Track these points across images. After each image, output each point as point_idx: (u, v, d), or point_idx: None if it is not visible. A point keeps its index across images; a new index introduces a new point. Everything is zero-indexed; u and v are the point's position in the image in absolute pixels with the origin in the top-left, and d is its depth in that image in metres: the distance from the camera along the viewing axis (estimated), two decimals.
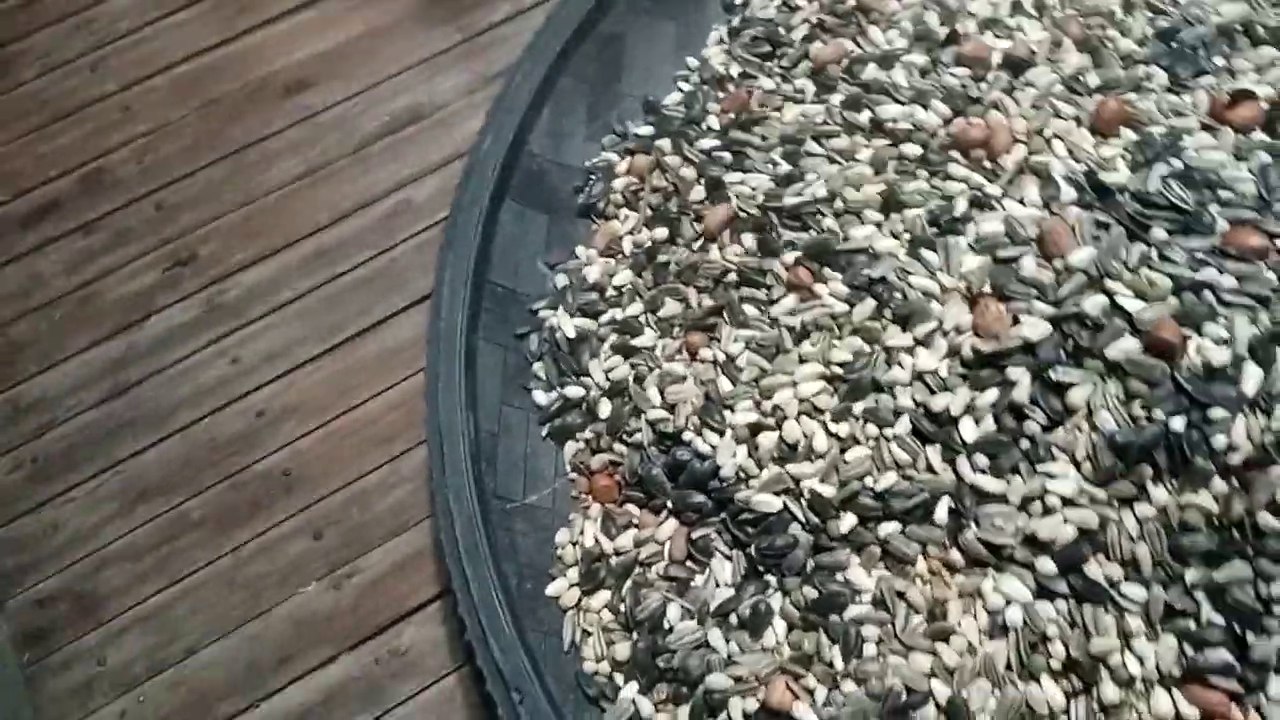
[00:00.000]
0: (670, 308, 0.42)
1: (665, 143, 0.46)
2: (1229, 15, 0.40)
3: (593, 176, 0.46)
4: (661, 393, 0.40)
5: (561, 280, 0.44)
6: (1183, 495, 0.31)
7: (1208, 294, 0.32)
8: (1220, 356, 0.31)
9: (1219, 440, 0.31)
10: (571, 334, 0.43)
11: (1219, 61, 0.38)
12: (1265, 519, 0.30)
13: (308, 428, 0.45)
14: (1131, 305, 0.33)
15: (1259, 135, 0.36)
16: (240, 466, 0.44)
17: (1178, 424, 0.31)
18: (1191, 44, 0.39)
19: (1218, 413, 0.31)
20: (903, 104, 0.41)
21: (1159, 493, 0.32)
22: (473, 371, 0.41)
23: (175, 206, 0.50)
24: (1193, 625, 0.31)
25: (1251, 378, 0.31)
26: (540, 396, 0.42)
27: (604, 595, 0.38)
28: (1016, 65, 0.41)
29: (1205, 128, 0.36)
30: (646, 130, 0.47)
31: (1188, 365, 0.32)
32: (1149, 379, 0.32)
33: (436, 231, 0.45)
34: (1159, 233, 0.34)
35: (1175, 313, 0.32)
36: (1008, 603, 0.33)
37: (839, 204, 0.40)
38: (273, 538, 0.43)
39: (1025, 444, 0.33)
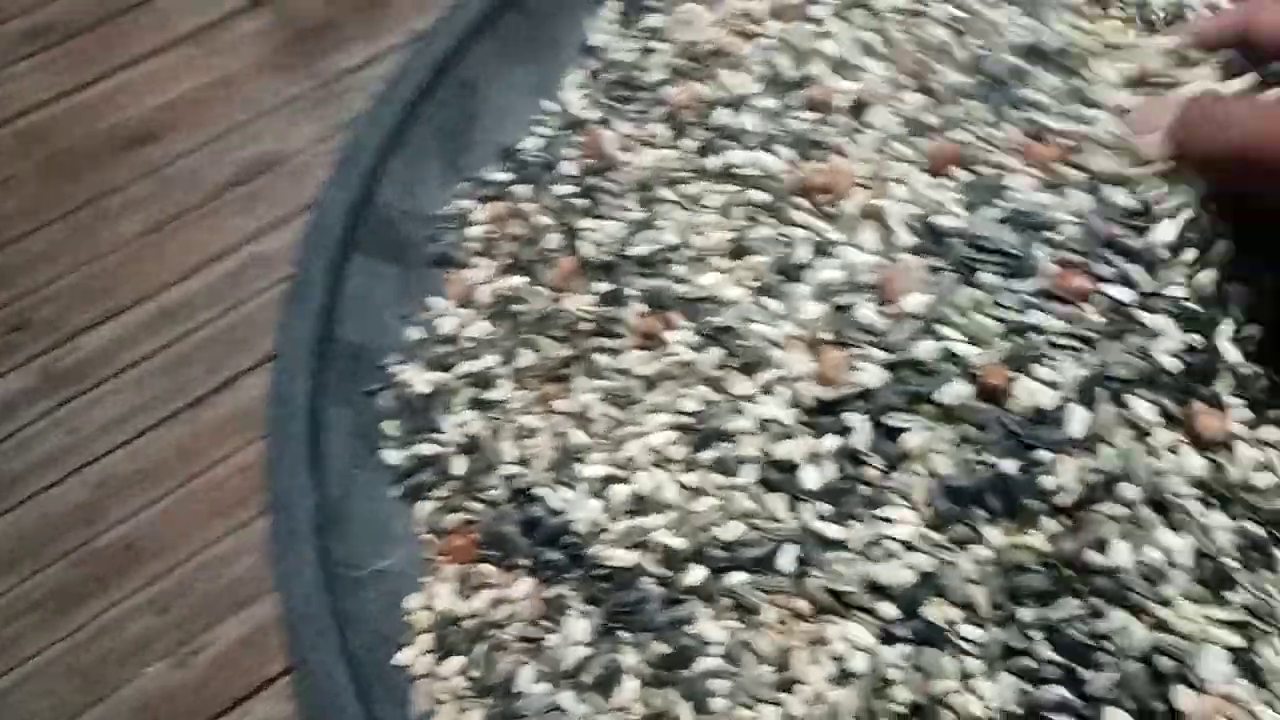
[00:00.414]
0: (525, 359, 0.41)
1: (522, 189, 0.45)
2: (1028, 40, 0.41)
3: (447, 225, 0.46)
4: (517, 447, 0.39)
5: (414, 333, 0.43)
6: (1016, 537, 0.32)
7: (1036, 337, 0.33)
8: (1048, 399, 0.32)
9: (1047, 481, 0.31)
10: (424, 389, 0.42)
11: (1029, 94, 0.39)
12: (1093, 557, 0.31)
13: (152, 497, 0.43)
14: (962, 350, 0.33)
15: (1072, 172, 0.36)
16: (81, 541, 0.42)
17: (1008, 467, 0.32)
18: (1002, 76, 0.40)
19: (1044, 455, 0.31)
20: (751, 149, 0.41)
21: (993, 534, 0.32)
22: (317, 434, 0.39)
23: (11, 269, 0.48)
24: (1030, 663, 0.31)
25: (1077, 419, 0.32)
26: (392, 456, 0.41)
27: (457, 661, 0.37)
28: (859, 107, 0.41)
29: (1027, 166, 0.37)
30: (503, 177, 0.46)
31: (1017, 408, 0.32)
32: (980, 423, 0.32)
33: (288, 286, 0.44)
34: (988, 277, 0.34)
35: (1005, 356, 0.33)
36: (853, 649, 0.33)
37: (688, 251, 0.40)
38: (116, 615, 0.41)
39: (865, 490, 0.33)
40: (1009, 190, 0.36)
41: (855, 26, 0.45)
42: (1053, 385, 0.32)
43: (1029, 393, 0.32)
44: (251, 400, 0.45)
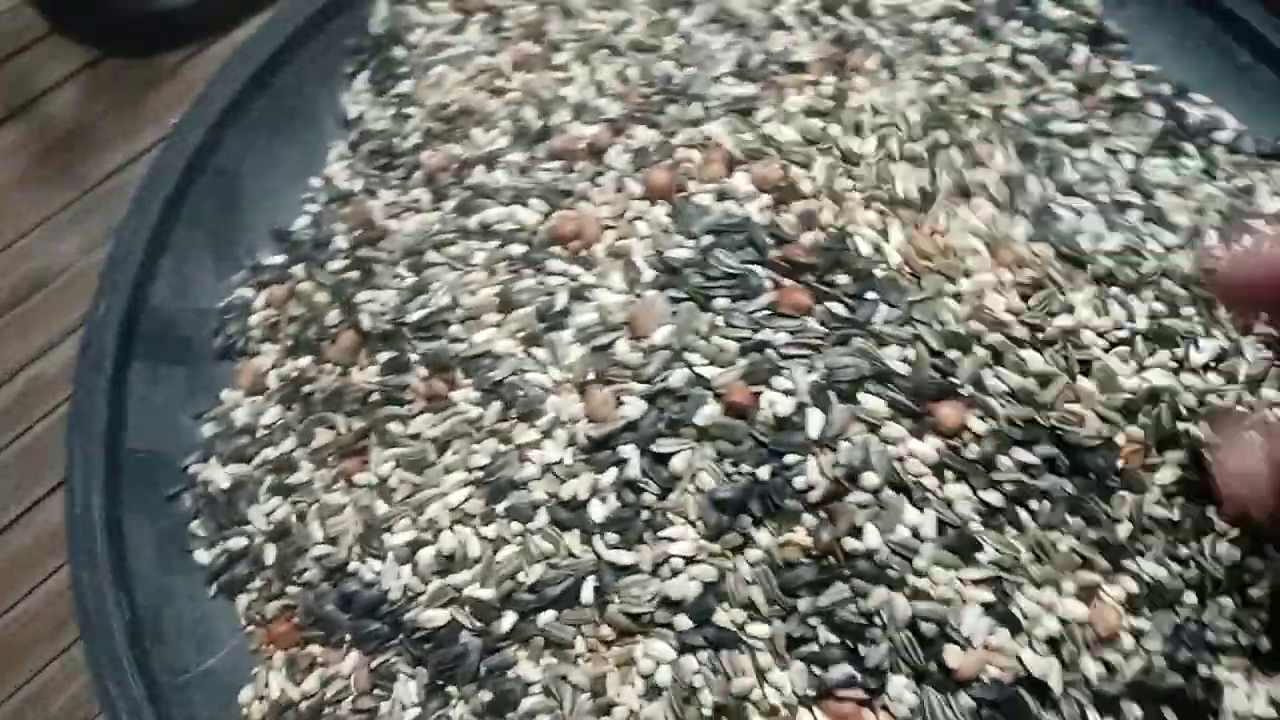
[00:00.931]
0: (322, 437, 0.42)
1: (298, 269, 0.46)
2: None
3: (227, 316, 0.46)
4: (323, 526, 0.40)
5: (209, 430, 0.44)
6: (781, 536, 0.35)
7: (770, 352, 0.36)
8: (786, 407, 0.35)
9: (799, 481, 0.34)
10: (225, 484, 0.42)
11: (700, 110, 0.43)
12: (850, 543, 0.34)
13: None
14: (708, 372, 0.36)
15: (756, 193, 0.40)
16: None
17: (764, 473, 0.35)
18: (683, 83, 0.43)
19: (792, 458, 0.34)
20: (505, 205, 0.43)
21: (762, 536, 0.35)
22: (121, 548, 0.40)
23: None
24: (815, 649, 0.34)
25: (814, 422, 0.35)
26: (202, 556, 0.41)
27: None
28: (598, 151, 0.43)
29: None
30: (278, 259, 0.47)
31: (762, 419, 0.35)
32: (732, 438, 0.35)
33: (70, 405, 0.44)
34: (721, 301, 0.37)
35: (744, 374, 0.36)
36: (657, 664, 0.35)
37: (460, 311, 0.41)
38: None
39: (645, 514, 0.36)
40: (709, 211, 0.39)
41: (595, 68, 0.47)
42: (788, 393, 0.35)
43: (769, 403, 0.35)
44: (53, 525, 0.44)
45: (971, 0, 0.51)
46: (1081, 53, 0.50)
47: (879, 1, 0.50)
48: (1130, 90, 0.49)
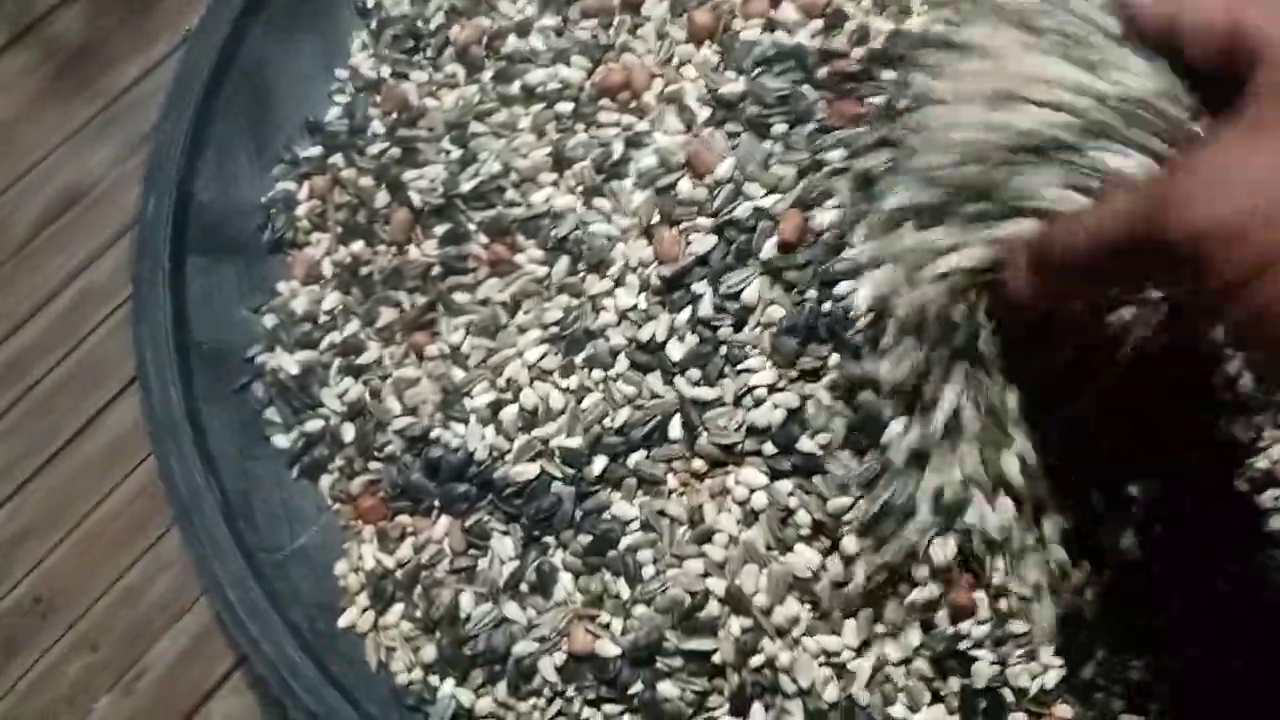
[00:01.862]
0: (386, 316, 0.42)
1: (337, 158, 0.46)
2: None
3: (273, 210, 0.46)
4: (400, 399, 0.41)
5: (270, 320, 0.44)
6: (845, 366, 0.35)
7: (823, 172, 0.36)
8: (832, 230, 0.36)
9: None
10: (295, 370, 0.42)
11: None
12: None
13: (49, 545, 0.42)
14: (767, 202, 0.36)
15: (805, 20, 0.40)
16: None
17: (825, 305, 0.35)
18: None
19: (845, 286, 0.35)
20: (547, 66, 0.43)
21: (834, 360, 0.36)
22: (202, 437, 0.40)
23: None
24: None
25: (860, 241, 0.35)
26: (281, 440, 0.42)
27: (398, 608, 0.39)
28: (633, 4, 0.43)
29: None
30: (315, 151, 0.47)
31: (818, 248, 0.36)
32: (794, 265, 0.36)
33: (127, 310, 0.44)
34: (779, 128, 0.37)
35: (797, 199, 0.36)
36: (751, 491, 0.36)
37: (514, 175, 0.41)
38: (48, 665, 0.41)
39: (723, 349, 0.36)
40: (758, 43, 0.39)
41: None
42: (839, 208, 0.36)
43: (820, 226, 0.36)
44: (122, 429, 0.45)
45: None
46: None
47: None
48: None
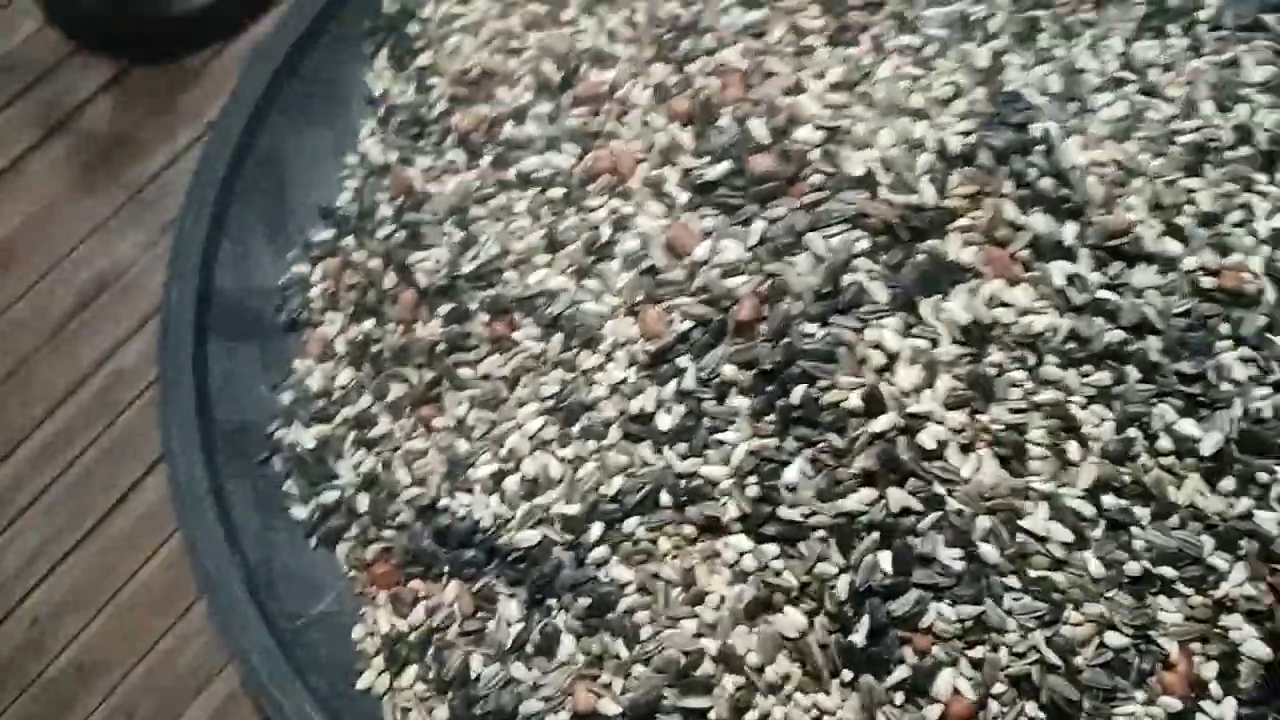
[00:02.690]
0: (396, 391, 0.45)
1: (348, 241, 0.49)
2: None
3: (289, 292, 0.49)
4: (410, 470, 0.43)
5: (288, 397, 0.47)
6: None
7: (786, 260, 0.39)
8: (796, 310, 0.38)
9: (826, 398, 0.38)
10: (311, 444, 0.45)
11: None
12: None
13: (88, 616, 0.45)
14: (734, 283, 0.39)
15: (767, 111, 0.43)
16: (31, 678, 0.44)
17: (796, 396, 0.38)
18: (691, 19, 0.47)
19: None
20: (540, 153, 0.46)
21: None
22: (224, 511, 0.43)
23: None
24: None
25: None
26: (299, 512, 0.44)
27: (412, 670, 0.41)
28: (620, 92, 0.46)
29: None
30: (328, 235, 0.50)
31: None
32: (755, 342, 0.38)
33: (155, 391, 0.46)
34: (750, 208, 0.40)
35: (759, 284, 0.39)
36: (739, 554, 0.38)
37: (511, 257, 0.44)
38: None
39: (707, 421, 0.39)
40: (725, 130, 0.42)
41: (602, 18, 0.50)
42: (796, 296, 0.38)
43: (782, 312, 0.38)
44: (151, 504, 0.47)
45: None
46: None
47: None
48: None
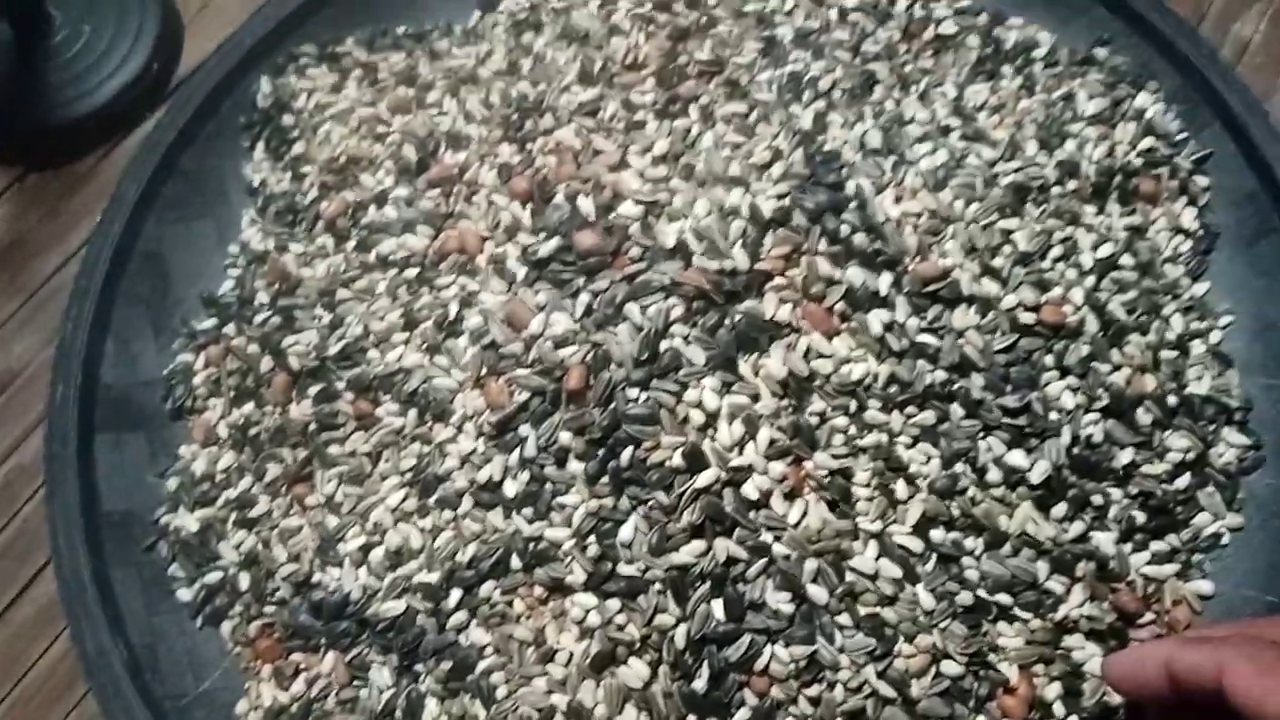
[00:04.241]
0: (273, 471, 0.47)
1: (230, 328, 0.51)
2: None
3: (174, 381, 0.51)
4: (286, 548, 0.45)
5: (174, 483, 0.49)
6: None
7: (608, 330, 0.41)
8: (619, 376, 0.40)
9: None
10: (195, 528, 0.47)
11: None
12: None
13: None
14: (564, 353, 0.41)
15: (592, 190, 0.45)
16: None
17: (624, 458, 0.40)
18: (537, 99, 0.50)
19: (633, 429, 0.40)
20: (397, 236, 0.48)
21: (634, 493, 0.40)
22: (110, 600, 0.44)
23: None
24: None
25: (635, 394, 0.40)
26: (185, 594, 0.46)
27: None
28: (469, 174, 0.48)
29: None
30: (210, 323, 0.51)
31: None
32: (585, 409, 0.40)
33: (45, 484, 0.48)
34: (579, 281, 0.42)
35: (585, 359, 0.41)
36: (586, 611, 0.40)
37: (373, 337, 0.46)
38: None
39: (549, 486, 0.41)
40: (559, 207, 0.45)
41: (463, 99, 0.52)
42: (619, 364, 0.40)
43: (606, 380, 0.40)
44: (53, 594, 0.49)
45: None
46: (901, 2, 0.55)
47: None
48: (949, 28, 0.54)
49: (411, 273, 0.46)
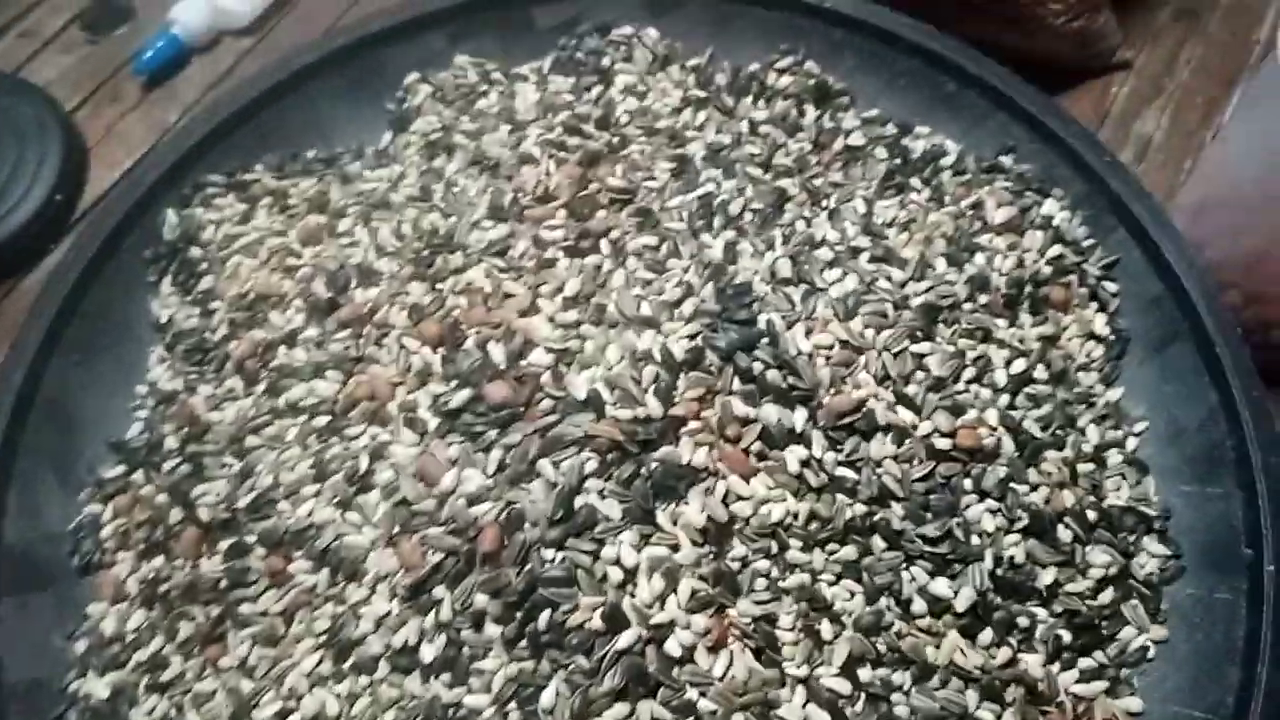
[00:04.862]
0: (185, 630, 0.45)
1: (138, 475, 0.49)
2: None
3: (81, 534, 0.49)
4: (199, 714, 0.43)
5: (82, 645, 0.47)
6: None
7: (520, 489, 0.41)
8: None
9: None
10: (105, 694, 0.45)
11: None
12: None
13: None
14: (478, 511, 0.40)
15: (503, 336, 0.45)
16: None
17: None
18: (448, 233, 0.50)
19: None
20: (306, 380, 0.47)
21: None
22: None
23: None
24: None
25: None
26: None
27: None
28: (380, 314, 0.47)
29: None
30: (118, 470, 0.50)
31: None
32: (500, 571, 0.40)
33: None
34: (491, 434, 0.41)
35: (499, 518, 0.40)
36: None
37: (283, 488, 0.45)
38: None
39: (466, 650, 0.40)
40: (470, 353, 0.44)
41: (375, 228, 0.51)
42: (534, 524, 0.40)
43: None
44: None
45: (707, 86, 0.56)
46: (811, 113, 0.56)
47: (621, 110, 0.55)
48: (857, 139, 0.54)
49: (321, 420, 0.45)
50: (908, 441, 0.43)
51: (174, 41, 0.67)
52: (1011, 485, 0.44)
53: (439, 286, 0.47)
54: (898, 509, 0.42)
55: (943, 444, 0.44)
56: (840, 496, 0.42)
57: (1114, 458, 0.47)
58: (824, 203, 0.52)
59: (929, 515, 0.43)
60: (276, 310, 0.50)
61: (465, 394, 0.42)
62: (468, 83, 0.57)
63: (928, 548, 0.42)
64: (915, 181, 0.53)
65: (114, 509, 0.49)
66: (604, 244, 0.47)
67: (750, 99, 0.56)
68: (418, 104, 0.57)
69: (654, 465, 0.40)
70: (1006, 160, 0.55)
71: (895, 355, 0.45)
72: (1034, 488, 0.44)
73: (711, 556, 0.40)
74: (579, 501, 0.39)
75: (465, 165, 0.53)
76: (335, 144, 0.58)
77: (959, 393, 0.45)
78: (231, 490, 0.46)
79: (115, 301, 0.53)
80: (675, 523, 0.40)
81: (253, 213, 0.55)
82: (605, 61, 0.57)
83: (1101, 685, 0.43)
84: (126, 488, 0.49)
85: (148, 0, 0.70)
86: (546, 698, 0.38)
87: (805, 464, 0.41)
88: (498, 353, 0.43)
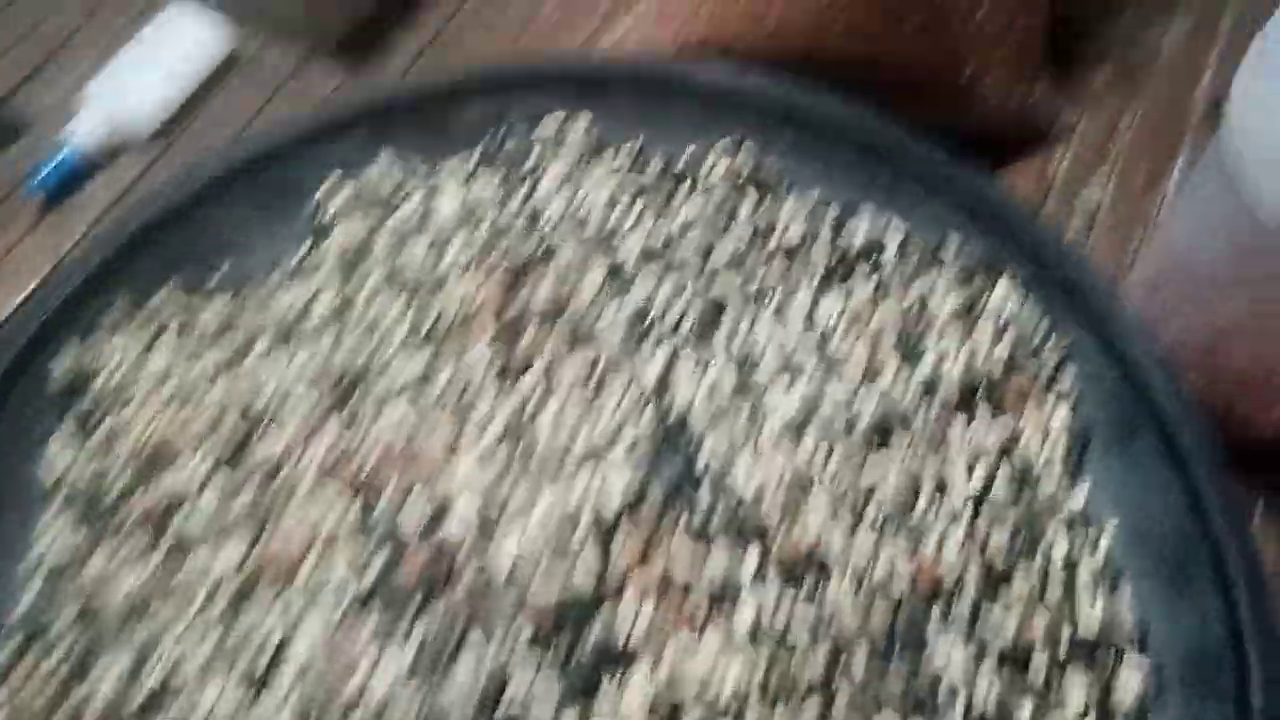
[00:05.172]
0: None
1: (25, 661, 0.43)
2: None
3: None
4: None
5: None
6: None
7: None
8: None
9: None
10: None
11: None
12: None
13: None
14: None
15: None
16: None
17: None
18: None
19: None
20: (209, 544, 0.43)
21: None
22: None
23: None
24: None
25: None
26: None
27: None
28: (288, 470, 0.43)
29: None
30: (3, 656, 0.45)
31: None
32: None
33: None
34: (409, 609, 0.38)
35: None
36: None
37: (183, 678, 0.40)
38: None
39: None
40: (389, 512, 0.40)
41: (291, 356, 0.47)
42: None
43: None
44: None
45: (644, 172, 0.53)
46: (747, 205, 0.53)
47: (550, 212, 0.52)
48: (795, 231, 0.52)
49: (229, 588, 0.41)
50: (865, 584, 0.40)
51: (71, 156, 0.63)
52: (979, 617, 0.41)
53: (354, 426, 0.43)
54: (861, 654, 0.39)
55: (903, 583, 0.40)
56: (798, 648, 0.38)
57: (1084, 572, 0.44)
58: (765, 301, 0.49)
59: (893, 661, 0.40)
60: (181, 458, 0.46)
61: (381, 560, 0.38)
62: (390, 184, 0.54)
63: (895, 693, 0.39)
64: (858, 273, 0.51)
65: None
66: (532, 371, 0.43)
67: (685, 189, 0.54)
68: (334, 211, 0.54)
69: (591, 640, 0.36)
70: (951, 247, 0.52)
71: (845, 490, 0.41)
72: (1003, 616, 0.41)
73: None
74: (508, 692, 0.35)
75: (383, 282, 0.49)
76: (248, 259, 0.53)
77: (915, 523, 0.42)
78: (124, 687, 0.41)
79: (4, 459, 0.49)
80: (619, 705, 0.36)
81: (156, 344, 0.50)
82: (535, 152, 0.54)
83: None
84: (9, 673, 0.44)
85: (42, 114, 0.66)
86: None
87: (759, 616, 0.38)
88: (415, 514, 0.39)
